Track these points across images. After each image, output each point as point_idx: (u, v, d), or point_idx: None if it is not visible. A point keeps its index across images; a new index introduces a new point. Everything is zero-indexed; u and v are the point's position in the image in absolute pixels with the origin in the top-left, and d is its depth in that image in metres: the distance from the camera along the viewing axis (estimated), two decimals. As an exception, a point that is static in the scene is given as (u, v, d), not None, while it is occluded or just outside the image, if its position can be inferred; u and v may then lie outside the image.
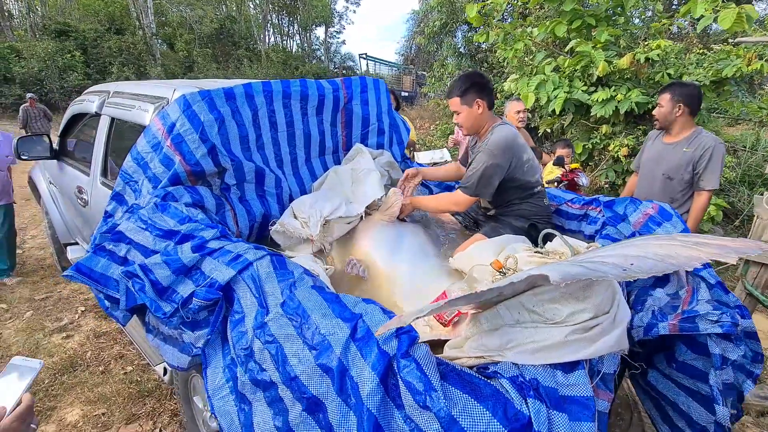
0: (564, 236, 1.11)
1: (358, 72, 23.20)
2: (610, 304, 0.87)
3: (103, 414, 1.97)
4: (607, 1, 4.08)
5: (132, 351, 2.42)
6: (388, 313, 0.90)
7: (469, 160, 1.92)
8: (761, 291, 2.16)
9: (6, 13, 20.01)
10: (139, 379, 2.19)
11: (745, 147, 4.79)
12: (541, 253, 1.13)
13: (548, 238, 1.39)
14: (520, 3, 5.21)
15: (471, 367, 0.83)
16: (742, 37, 3.30)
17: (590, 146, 4.24)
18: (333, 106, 2.07)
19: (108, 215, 1.61)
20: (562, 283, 0.69)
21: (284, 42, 28.73)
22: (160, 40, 21.32)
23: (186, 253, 1.22)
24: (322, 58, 29.73)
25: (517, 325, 0.81)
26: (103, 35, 18.31)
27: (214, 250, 1.23)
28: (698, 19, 3.09)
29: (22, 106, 8.67)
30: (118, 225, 1.44)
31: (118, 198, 1.62)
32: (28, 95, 8.76)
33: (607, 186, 4.33)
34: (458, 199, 1.82)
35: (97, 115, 2.07)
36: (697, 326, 1.13)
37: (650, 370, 1.35)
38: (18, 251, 4.06)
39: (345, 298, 0.99)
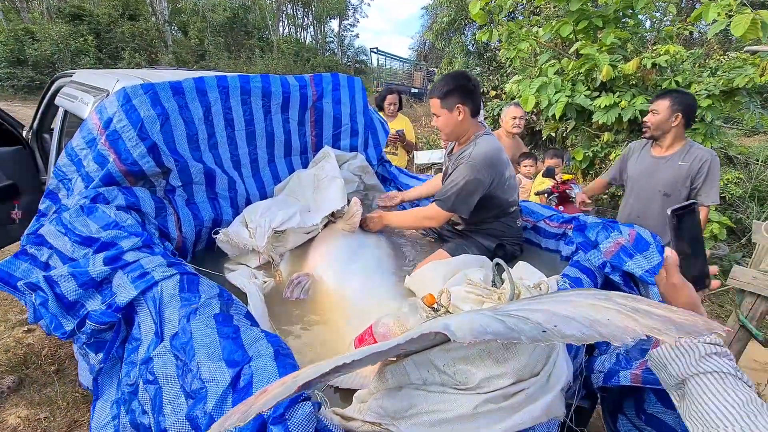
0: (512, 271, 0.96)
1: (369, 66, 22.98)
2: (543, 364, 0.73)
3: (45, 418, 1.89)
4: (617, 2, 3.85)
5: (88, 351, 2.34)
6: (281, 359, 0.76)
7: (447, 170, 1.77)
8: (757, 323, 1.99)
9: (23, -5, 20.17)
10: (89, 382, 2.10)
11: (757, 160, 4.54)
12: (484, 287, 0.99)
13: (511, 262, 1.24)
14: (527, 1, 5.00)
15: (363, 435, 0.69)
16: (756, 45, 3.07)
17: (591, 154, 4.04)
18: (300, 103, 1.94)
19: (41, 214, 1.50)
20: (467, 342, 0.55)
21: (297, 33, 28.57)
22: (175, 27, 21.33)
23: (97, 265, 1.10)
24: (335, 50, 29.52)
25: (422, 387, 0.68)
26: (116, 20, 18.37)
27: (127, 263, 1.11)
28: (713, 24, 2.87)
29: None
30: (42, 227, 1.33)
31: (51, 196, 1.51)
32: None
33: (606, 197, 4.14)
34: (432, 213, 1.67)
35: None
36: (663, 379, 0.99)
37: (620, 416, 1.22)
38: None
39: (246, 333, 0.86)
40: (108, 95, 1.59)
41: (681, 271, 0.72)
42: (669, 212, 0.72)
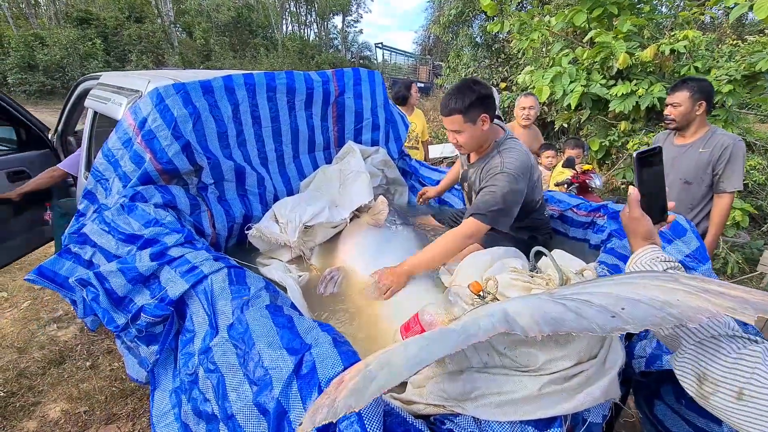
0: (554, 257, 0.97)
1: (374, 61, 22.93)
2: (599, 347, 0.74)
3: (85, 412, 1.94)
4: (632, -12, 3.80)
5: (120, 347, 2.39)
6: (340, 346, 0.79)
7: (469, 178, 1.67)
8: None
9: (32, 1, 20.43)
10: (123, 377, 2.15)
11: (778, 146, 4.46)
12: (530, 275, 1.00)
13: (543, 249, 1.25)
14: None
15: (427, 417, 0.71)
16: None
17: (607, 143, 4.01)
18: (323, 99, 1.95)
19: (80, 214, 1.54)
20: (534, 335, 0.56)
21: (301, 31, 28.58)
22: (179, 28, 21.46)
23: (144, 260, 1.13)
24: (339, 47, 29.47)
25: (484, 370, 0.69)
26: (123, 23, 18.53)
27: (173, 258, 1.14)
28: (732, 8, 2.83)
29: None
30: (85, 226, 1.37)
31: (89, 196, 1.55)
32: None
33: (624, 186, 4.10)
34: (472, 229, 1.45)
35: None
36: (708, 363, 1.00)
37: (657, 402, 1.22)
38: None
39: (300, 322, 0.88)
40: (141, 96, 1.62)
41: (642, 207, 0.82)
42: (635, 155, 0.81)
